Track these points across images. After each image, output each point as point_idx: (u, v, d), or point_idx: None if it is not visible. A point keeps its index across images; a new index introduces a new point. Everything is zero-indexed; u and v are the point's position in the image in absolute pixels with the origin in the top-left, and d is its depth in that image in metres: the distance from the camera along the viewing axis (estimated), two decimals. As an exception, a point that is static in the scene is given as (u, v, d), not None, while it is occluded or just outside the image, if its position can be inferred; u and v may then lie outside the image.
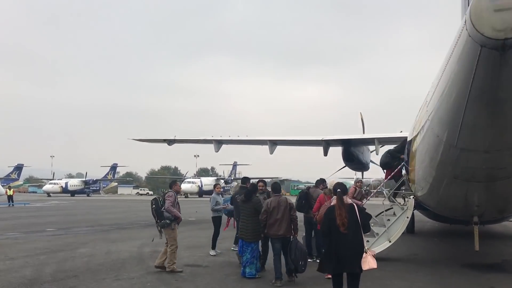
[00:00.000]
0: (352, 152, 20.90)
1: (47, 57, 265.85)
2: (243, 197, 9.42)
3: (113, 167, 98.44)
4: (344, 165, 23.18)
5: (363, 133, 22.06)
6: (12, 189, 45.52)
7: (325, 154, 20.65)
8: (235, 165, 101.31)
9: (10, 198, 43.14)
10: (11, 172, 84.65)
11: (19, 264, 10.75)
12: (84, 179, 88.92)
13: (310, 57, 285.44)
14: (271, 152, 21.53)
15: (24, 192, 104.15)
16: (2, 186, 47.32)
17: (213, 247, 12.63)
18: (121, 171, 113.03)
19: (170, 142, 24.17)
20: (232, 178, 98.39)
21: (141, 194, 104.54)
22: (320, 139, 20.33)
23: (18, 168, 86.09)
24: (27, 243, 14.54)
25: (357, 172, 24.74)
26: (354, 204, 6.91)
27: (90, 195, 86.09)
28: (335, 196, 6.82)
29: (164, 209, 10.04)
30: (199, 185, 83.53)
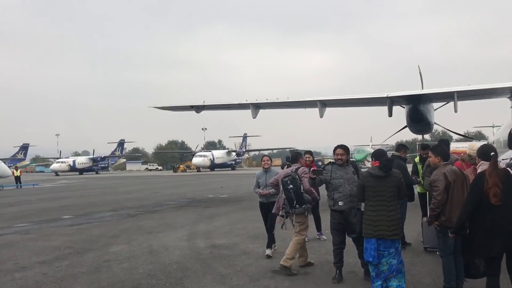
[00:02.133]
0: (421, 110, 17.47)
1: (46, 35, 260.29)
2: (381, 170, 6.01)
3: (121, 143, 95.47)
4: (406, 125, 19.79)
5: (422, 88, 18.56)
6: (19, 170, 42.49)
7: (390, 114, 17.20)
8: (245, 136, 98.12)
9: (17, 179, 40.17)
10: (17, 152, 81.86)
11: (33, 278, 7.48)
12: (92, 156, 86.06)
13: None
14: (321, 115, 18.12)
15: (31, 172, 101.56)
16: (9, 166, 44.18)
17: (269, 245, 8.62)
18: (128, 147, 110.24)
19: (199, 108, 20.70)
20: (244, 150, 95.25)
21: (150, 170, 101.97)
22: (385, 96, 16.88)
23: (24, 148, 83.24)
24: (42, 239, 11.29)
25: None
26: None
27: (99, 172, 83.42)
28: (484, 162, 5.29)
29: (303, 190, 7.31)
30: (210, 159, 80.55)
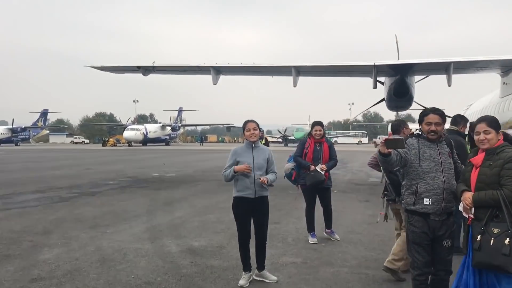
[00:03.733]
0: (408, 83, 15.46)
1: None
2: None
3: (44, 114, 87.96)
4: (383, 99, 17.79)
5: (398, 59, 16.61)
6: None
7: (375, 85, 15.03)
8: (180, 110, 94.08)
9: None
10: None
11: None
12: (10, 126, 78.35)
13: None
14: (295, 85, 15.60)
15: None
16: None
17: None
18: (51, 118, 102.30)
19: (147, 71, 17.26)
20: (179, 125, 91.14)
21: (76, 143, 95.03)
22: (371, 64, 14.64)
23: None
24: None
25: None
26: None
27: (18, 144, 76.26)
28: None
29: None
30: (143, 133, 75.87)
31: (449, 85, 14.21)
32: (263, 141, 15.60)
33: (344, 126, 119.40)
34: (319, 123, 7.58)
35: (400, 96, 15.59)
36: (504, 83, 15.03)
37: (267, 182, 5.29)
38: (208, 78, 16.96)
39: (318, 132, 7.46)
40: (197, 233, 8.13)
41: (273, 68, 16.36)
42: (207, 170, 22.53)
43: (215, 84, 16.64)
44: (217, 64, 16.51)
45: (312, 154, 7.38)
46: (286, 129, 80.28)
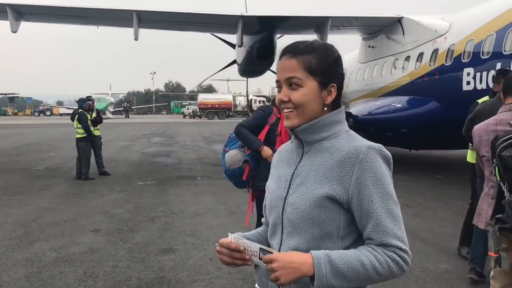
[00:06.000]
0: (275, 43, 12.91)
1: None
2: None
3: None
4: (234, 61, 15.03)
5: (246, 11, 14.04)
6: None
7: (241, 43, 11.95)
8: None
9: None
10: None
11: None
12: None
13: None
14: (136, 37, 11.52)
15: None
16: None
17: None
18: None
19: None
20: None
21: None
22: (238, 15, 11.57)
23: None
24: None
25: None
26: None
27: None
28: None
29: None
30: None
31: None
32: (95, 115, 11.35)
33: (146, 97, 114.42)
34: None
35: (263, 58, 13.02)
36: (369, 46, 13.72)
37: None
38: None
39: None
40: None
41: (110, 13, 11.85)
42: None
43: (14, 31, 11.49)
44: (17, 2, 11.37)
45: (288, 136, 4.14)
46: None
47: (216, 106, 60.94)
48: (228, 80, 79.21)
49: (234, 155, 4.13)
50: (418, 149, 12.78)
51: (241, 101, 63.20)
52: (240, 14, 11.56)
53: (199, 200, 8.39)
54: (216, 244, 1.46)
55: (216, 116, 60.10)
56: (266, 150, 4.02)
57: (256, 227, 4.15)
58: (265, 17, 11.95)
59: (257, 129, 4.15)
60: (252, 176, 4.10)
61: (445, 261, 5.09)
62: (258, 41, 12.71)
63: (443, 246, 5.60)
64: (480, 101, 5.14)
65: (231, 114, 61.77)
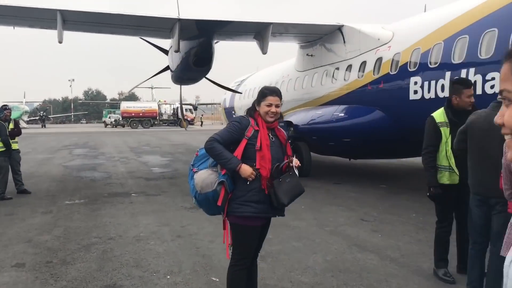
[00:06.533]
0: (213, 49, 12.22)
1: None
2: None
3: None
4: (168, 67, 14.18)
5: (178, 14, 13.34)
6: None
7: (178, 48, 11.09)
8: None
9: None
10: None
11: None
12: None
13: None
14: (60, 40, 10.29)
15: None
16: None
17: None
18: None
19: None
20: None
21: None
22: (175, 18, 10.73)
23: None
24: None
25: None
26: None
27: None
28: None
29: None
30: None
31: (265, 52, 11.73)
32: (12, 125, 10.06)
33: (64, 105, 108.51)
34: (274, 91, 3.67)
35: (201, 64, 12.28)
36: (308, 55, 13.48)
37: None
38: None
39: (273, 110, 3.58)
40: None
41: (18, 11, 10.39)
42: None
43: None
44: None
45: (269, 150, 3.48)
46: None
47: (140, 114, 58.81)
48: (152, 88, 77.06)
49: (207, 177, 3.43)
50: (359, 158, 12.69)
51: (167, 110, 61.61)
52: (177, 17, 10.77)
53: (138, 222, 7.50)
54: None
55: (140, 125, 58.01)
56: (244, 169, 3.38)
57: (234, 262, 3.50)
58: (204, 21, 11.25)
59: (232, 144, 3.49)
60: (227, 200, 3.43)
61: (425, 285, 4.70)
62: (196, 46, 11.97)
63: (415, 267, 5.23)
64: (434, 115, 4.78)
65: (156, 123, 59.97)
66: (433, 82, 8.45)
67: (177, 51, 11.21)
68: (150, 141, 29.75)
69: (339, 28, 11.83)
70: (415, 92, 8.93)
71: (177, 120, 60.02)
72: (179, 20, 10.78)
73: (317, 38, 12.85)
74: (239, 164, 3.37)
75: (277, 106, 3.59)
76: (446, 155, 4.61)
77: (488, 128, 3.92)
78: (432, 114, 4.78)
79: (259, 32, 11.78)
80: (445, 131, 4.64)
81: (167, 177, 12.76)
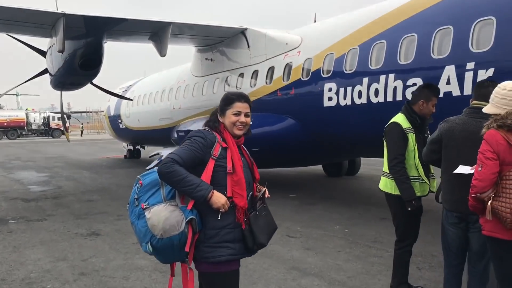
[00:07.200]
0: (103, 50, 10.79)
1: None
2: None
3: None
4: (46, 70, 12.40)
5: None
6: None
7: (62, 48, 9.46)
8: None
9: None
10: None
11: None
12: None
13: None
14: None
15: None
16: None
17: None
18: None
19: None
20: None
21: None
22: (60, 12, 9.15)
23: None
24: None
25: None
26: None
27: None
28: None
29: None
30: None
31: (164, 55, 10.65)
32: None
33: None
34: (243, 96, 2.93)
35: (88, 67, 10.78)
36: (207, 59, 12.70)
37: None
38: None
39: (242, 120, 2.85)
40: None
41: None
42: None
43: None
44: None
45: (243, 171, 2.65)
46: None
47: (5, 124, 52.79)
48: (17, 95, 69.89)
49: (169, 214, 2.49)
50: (270, 167, 12.16)
51: (36, 119, 56.25)
52: (61, 12, 9.27)
53: (24, 258, 6.05)
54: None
55: (5, 136, 52.03)
56: (217, 197, 2.56)
57: None
58: (93, 18, 9.81)
59: (197, 165, 2.60)
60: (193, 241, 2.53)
61: (390, 313, 4.19)
62: (82, 47, 10.49)
63: (370, 291, 4.73)
64: (398, 120, 4.33)
65: (24, 133, 54.37)
66: (349, 89, 8.20)
67: (61, 51, 9.65)
68: (20, 154, 26.47)
69: (242, 32, 11.24)
70: (330, 98, 8.63)
71: (48, 130, 55.25)
72: (64, 15, 9.28)
73: (218, 41, 12.13)
74: (211, 191, 2.51)
75: (246, 115, 2.81)
76: (414, 164, 4.17)
77: (468, 137, 3.52)
78: (395, 120, 4.32)
79: (156, 33, 10.71)
80: (412, 138, 4.21)
81: (50, 196, 11.02)
